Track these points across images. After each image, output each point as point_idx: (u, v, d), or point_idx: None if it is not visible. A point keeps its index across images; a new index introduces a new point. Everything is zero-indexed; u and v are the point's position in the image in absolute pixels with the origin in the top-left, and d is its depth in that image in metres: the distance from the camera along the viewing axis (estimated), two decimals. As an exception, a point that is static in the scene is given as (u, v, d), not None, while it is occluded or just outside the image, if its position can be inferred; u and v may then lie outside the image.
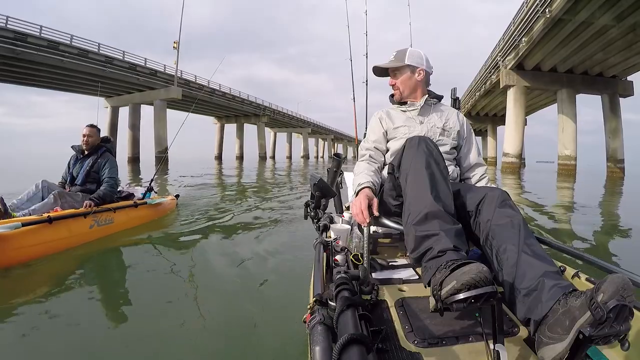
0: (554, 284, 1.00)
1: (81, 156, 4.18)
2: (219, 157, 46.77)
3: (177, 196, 6.31)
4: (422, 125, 1.84)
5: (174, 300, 2.48)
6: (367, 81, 3.89)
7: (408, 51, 1.90)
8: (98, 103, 5.84)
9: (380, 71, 1.97)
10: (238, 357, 1.78)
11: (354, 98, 3.68)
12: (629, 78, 22.30)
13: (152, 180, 5.24)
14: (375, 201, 1.52)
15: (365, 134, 2.13)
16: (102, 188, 4.00)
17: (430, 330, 1.10)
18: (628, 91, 22.19)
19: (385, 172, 1.81)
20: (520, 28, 18.42)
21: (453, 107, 2.15)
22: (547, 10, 15.26)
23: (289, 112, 55.08)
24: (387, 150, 1.89)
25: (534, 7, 16.43)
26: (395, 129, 1.87)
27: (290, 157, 69.95)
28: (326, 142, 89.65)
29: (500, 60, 22.29)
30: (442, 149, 1.74)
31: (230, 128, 49.51)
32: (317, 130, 73.14)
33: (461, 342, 1.05)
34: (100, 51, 24.04)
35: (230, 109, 40.57)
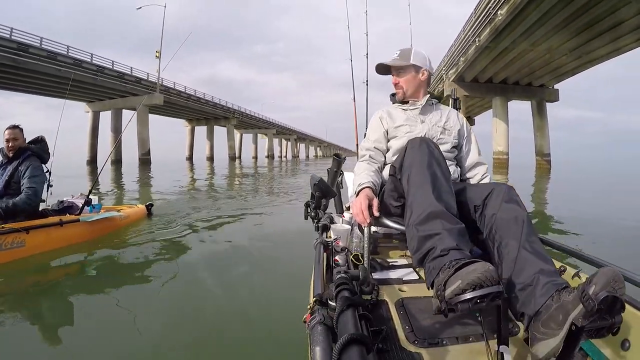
0: (548, 281, 1.00)
1: (5, 161, 3.45)
2: (190, 159, 47.89)
3: (149, 205, 5.50)
4: (423, 124, 1.77)
5: (173, 302, 2.46)
6: (367, 81, 3.80)
7: (413, 51, 1.81)
8: (64, 105, 5.30)
9: (382, 69, 1.87)
10: (238, 357, 1.78)
11: (354, 98, 3.58)
12: (556, 86, 25.49)
13: (90, 191, 4.18)
14: (376, 201, 1.46)
15: (365, 133, 2.01)
16: (16, 199, 3.23)
17: (431, 330, 1.10)
18: (554, 97, 25.52)
19: (385, 172, 1.75)
20: (459, 49, 21.78)
21: (453, 107, 2.13)
22: (477, 39, 18.50)
23: (256, 115, 56.48)
24: (388, 149, 1.81)
25: (467, 36, 19.90)
26: (396, 128, 1.79)
27: (256, 158, 70.74)
28: (289, 142, 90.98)
29: (444, 73, 25.47)
30: (443, 147, 1.67)
31: (200, 130, 50.59)
32: (281, 131, 74.77)
33: (461, 342, 1.05)
34: (93, 61, 25.14)
35: (202, 112, 42.16)
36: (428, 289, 1.09)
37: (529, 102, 25.92)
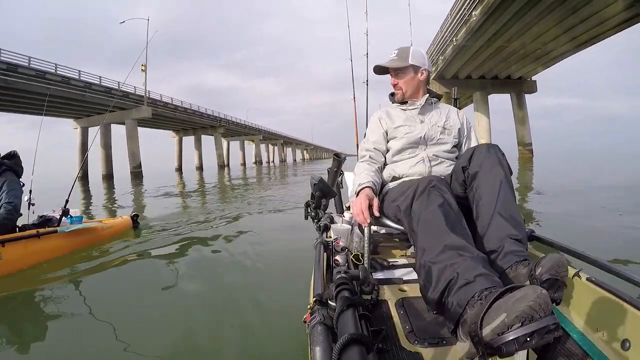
0: (511, 251, 1.09)
1: None
2: (180, 169, 47.01)
3: (135, 216, 5.12)
4: (422, 124, 1.72)
5: (169, 304, 2.44)
6: (367, 81, 3.76)
7: (411, 50, 1.74)
8: (42, 121, 5.20)
9: (380, 70, 1.81)
10: (238, 358, 1.76)
11: (354, 98, 3.56)
12: (534, 78, 26.33)
13: (67, 201, 3.96)
14: (376, 201, 1.44)
15: (365, 134, 1.95)
16: None
17: (431, 330, 1.09)
18: (532, 89, 26.34)
19: (385, 172, 1.74)
20: (438, 49, 22.43)
21: (454, 106, 2.05)
22: (454, 39, 19.19)
23: (243, 122, 56.43)
24: (388, 150, 1.76)
25: (444, 35, 20.65)
26: (395, 128, 1.74)
27: (244, 164, 70.28)
28: (276, 147, 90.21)
29: (424, 72, 27.23)
30: (443, 147, 1.69)
31: (188, 140, 50.04)
32: (268, 137, 74.61)
33: (461, 341, 0.99)
34: (81, 77, 25.07)
35: (190, 122, 41.94)
36: (452, 334, 0.91)
37: (509, 94, 26.76)
